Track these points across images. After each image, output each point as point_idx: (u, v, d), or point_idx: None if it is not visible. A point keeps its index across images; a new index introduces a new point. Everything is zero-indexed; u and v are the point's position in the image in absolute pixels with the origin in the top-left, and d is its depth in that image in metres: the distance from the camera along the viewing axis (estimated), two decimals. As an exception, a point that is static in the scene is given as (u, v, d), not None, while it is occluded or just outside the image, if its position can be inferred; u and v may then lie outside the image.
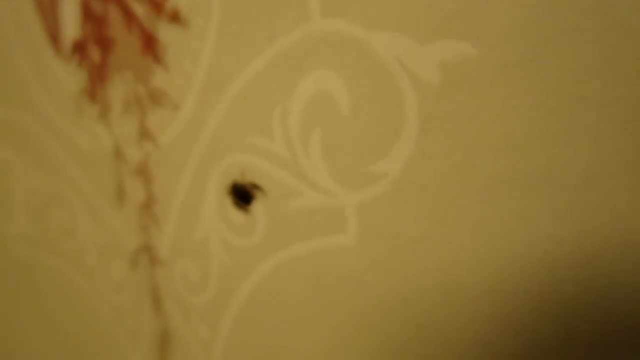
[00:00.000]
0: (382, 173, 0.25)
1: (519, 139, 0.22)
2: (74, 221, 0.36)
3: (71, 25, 0.33)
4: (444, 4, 0.22)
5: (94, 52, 0.33)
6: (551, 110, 0.21)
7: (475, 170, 0.23)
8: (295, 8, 0.26)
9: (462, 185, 0.23)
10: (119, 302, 0.35)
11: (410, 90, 0.24)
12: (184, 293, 0.32)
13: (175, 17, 0.29)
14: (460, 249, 0.24)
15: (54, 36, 0.34)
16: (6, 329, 0.41)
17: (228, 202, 0.29)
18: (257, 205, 0.28)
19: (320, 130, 0.26)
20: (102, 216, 0.35)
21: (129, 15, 0.31)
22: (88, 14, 0.32)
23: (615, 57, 0.20)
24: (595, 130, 0.21)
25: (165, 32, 0.30)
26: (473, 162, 0.23)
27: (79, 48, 0.33)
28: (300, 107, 0.26)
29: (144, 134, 0.32)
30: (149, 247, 0.33)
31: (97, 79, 0.33)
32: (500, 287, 0.23)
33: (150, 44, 0.30)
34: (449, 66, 0.23)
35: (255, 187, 0.28)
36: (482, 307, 0.24)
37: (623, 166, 0.21)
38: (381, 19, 0.24)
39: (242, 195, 0.29)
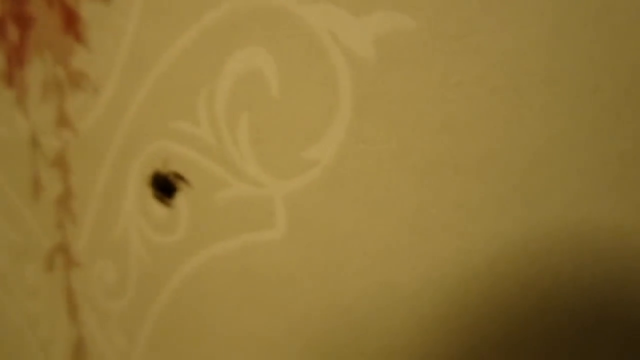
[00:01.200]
0: (313, 160, 0.23)
1: (460, 120, 0.20)
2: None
3: (-11, 2, 0.30)
4: (380, -28, 0.20)
5: (13, 31, 0.30)
6: (494, 88, 0.19)
7: (413, 156, 0.21)
8: (223, -21, 0.23)
9: (399, 173, 0.21)
10: (33, 308, 0.32)
11: (344, 67, 0.21)
12: (100, 298, 0.29)
13: (98, -9, 0.27)
14: (397, 243, 0.21)
15: (-29, 15, 0.31)
16: None
17: (149, 195, 0.27)
18: (180, 198, 0.26)
19: (248, 113, 0.24)
20: (16, 212, 0.32)
21: (49, -10, 0.28)
22: (7, -10, 0.30)
23: (564, 27, 0.18)
24: (542, 109, 0.19)
25: (88, 8, 0.27)
26: (411, 147, 0.21)
27: (-3, 27, 0.31)
28: (227, 88, 0.24)
29: (63, 121, 0.29)
30: (65, 247, 0.30)
31: (15, 60, 0.30)
32: (440, 285, 0.21)
33: (71, 21, 0.28)
34: (385, 40, 0.21)
35: (179, 177, 0.26)
36: (421, 307, 0.21)
37: (573, 147, 0.19)
38: (314, -11, 0.22)
39: (164, 186, 0.26)
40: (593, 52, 0.18)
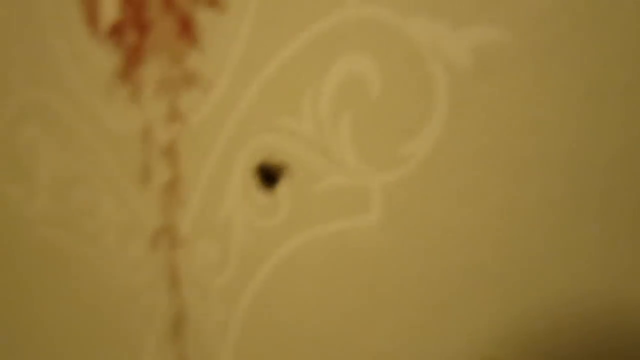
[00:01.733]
0: (409, 154, 0.26)
1: (548, 123, 0.23)
2: (96, 202, 0.37)
3: (110, 7, 0.34)
4: (479, -9, 0.23)
5: (132, 34, 0.34)
6: (580, 95, 0.22)
7: (502, 153, 0.24)
8: (331, -7, 0.27)
9: (489, 168, 0.24)
10: (136, 281, 0.36)
11: (441, 73, 0.24)
12: (203, 274, 0.33)
13: (214, 2, 0.30)
14: (485, 230, 0.24)
15: (92, 18, 0.35)
16: (24, 307, 0.41)
17: (253, 183, 0.30)
18: (282, 187, 0.29)
19: (350, 112, 0.27)
20: (124, 196, 0.35)
21: (168, 0, 0.32)
22: (128, -2, 0.34)
23: (645, 45, 0.21)
24: (623, 115, 0.21)
25: (203, 15, 0.31)
26: (501, 145, 0.24)
27: (117, 31, 0.34)
28: (331, 90, 0.27)
29: (175, 115, 0.32)
30: (171, 227, 0.34)
31: (133, 61, 0.34)
32: (523, 268, 0.24)
33: (187, 27, 0.31)
34: (480, 51, 0.24)
35: (282, 168, 0.29)
36: (503, 288, 0.24)
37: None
38: (415, 5, 0.25)
39: (268, 176, 0.29)
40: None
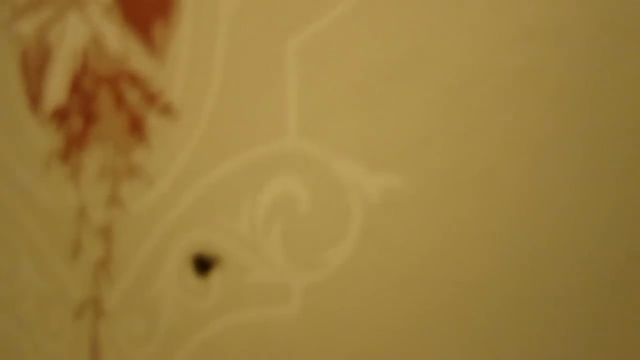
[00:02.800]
0: (328, 260, 0.33)
1: (434, 250, 0.31)
2: (14, 268, 0.38)
3: (56, 91, 0.37)
4: (389, 147, 0.31)
5: (76, 121, 0.37)
6: (460, 231, 0.31)
7: (400, 270, 0.32)
8: (275, 124, 0.33)
9: (389, 280, 0.32)
10: (54, 350, 0.38)
11: (357, 204, 0.32)
12: (126, 345, 0.36)
13: (167, 111, 0.35)
14: (393, 334, 0.32)
15: (34, 97, 0.38)
16: None
17: (187, 269, 0.35)
18: (215, 275, 0.34)
19: (281, 221, 0.33)
20: (50, 266, 0.38)
21: (120, 99, 0.36)
22: (77, 87, 0.37)
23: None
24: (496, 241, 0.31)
25: (154, 118, 0.35)
26: (399, 263, 0.32)
27: (60, 115, 0.37)
28: (267, 201, 0.33)
29: (114, 201, 0.36)
30: (97, 300, 0.37)
31: (74, 145, 0.37)
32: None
33: (136, 126, 0.36)
34: (387, 192, 0.32)
35: (216, 259, 0.34)
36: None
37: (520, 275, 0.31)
38: (344, 147, 0.32)
39: (202, 264, 0.34)
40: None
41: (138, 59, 0.36)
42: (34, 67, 0.38)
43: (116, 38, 0.36)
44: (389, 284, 0.32)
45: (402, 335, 0.31)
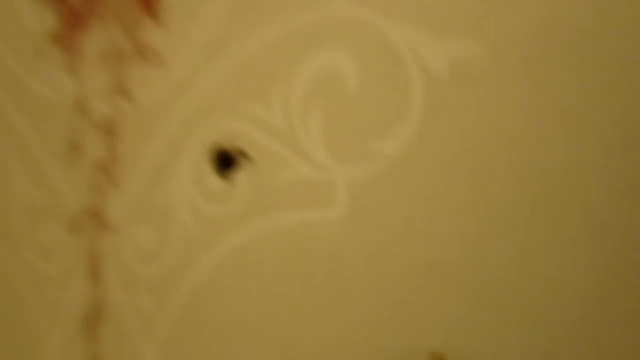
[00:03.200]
0: (380, 153, 0.26)
1: (512, 133, 0.25)
2: (3, 174, 0.32)
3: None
4: (460, 7, 0.25)
5: (75, -4, 0.31)
6: (542, 111, 0.25)
7: (470, 158, 0.25)
8: (316, -12, 0.27)
9: (457, 171, 0.26)
10: (44, 270, 0.32)
11: (419, 79, 0.26)
12: (132, 262, 0.30)
13: (184, -24, 0.29)
14: (448, 231, 0.26)
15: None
16: None
17: (206, 168, 0.29)
18: (240, 174, 0.28)
19: (323, 105, 0.27)
20: (42, 172, 0.32)
21: (127, -34, 0.30)
22: (76, -42, 0.31)
23: (603, 70, 0.24)
24: (576, 130, 0.25)
25: (168, -10, 0.29)
26: (469, 151, 0.25)
27: (56, -10, 0.31)
28: (305, 81, 0.27)
29: (119, 90, 0.30)
30: (98, 211, 0.31)
31: (73, 24, 0.31)
32: (482, 270, 0.25)
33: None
34: (457, 61, 0.25)
35: (242, 154, 0.28)
36: (460, 288, 0.26)
37: (597, 163, 0.24)
38: (401, 12, 0.26)
39: (226, 161, 0.28)
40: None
41: None
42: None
43: None
44: (457, 177, 0.26)
45: (471, 245, 0.25)
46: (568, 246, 0.25)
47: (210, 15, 0.28)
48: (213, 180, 0.29)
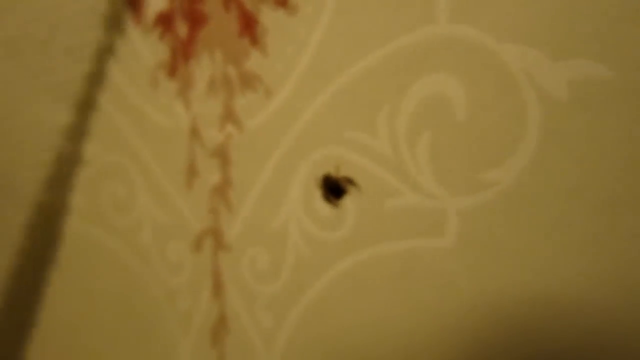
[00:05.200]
0: (492, 182, 0.25)
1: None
2: (131, 197, 0.35)
3: (158, -4, 0.32)
4: (583, 24, 0.23)
5: (181, 26, 0.32)
6: (680, 140, 0.22)
7: (591, 190, 0.24)
8: (419, 8, 0.26)
9: (576, 204, 0.24)
10: (175, 284, 0.34)
11: (535, 103, 0.24)
12: (249, 280, 0.32)
13: (283, 2, 0.29)
14: (564, 264, 0.24)
15: (135, 5, 0.33)
16: (53, 303, 0.39)
17: (315, 195, 0.29)
18: (349, 201, 0.28)
19: (431, 132, 0.26)
20: (166, 197, 0.34)
21: (228, -6, 0.30)
22: (180, -13, 0.32)
23: None
24: None
25: (268, 15, 0.29)
26: (590, 182, 0.23)
27: (164, 21, 0.32)
28: (411, 108, 0.26)
29: (228, 116, 0.31)
30: (216, 231, 0.33)
31: (181, 54, 0.32)
32: (602, 306, 0.24)
33: (249, 26, 0.30)
34: (579, 85, 0.23)
35: (349, 182, 0.28)
36: (578, 323, 0.24)
37: None
38: (513, 31, 0.24)
39: (334, 188, 0.28)
40: None
41: (246, -56, 0.29)
42: (132, -32, 0.33)
43: None
44: (575, 210, 0.24)
45: (592, 283, 0.24)
46: None
47: (305, 38, 0.28)
48: (322, 206, 0.29)
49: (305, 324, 0.31)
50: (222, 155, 0.32)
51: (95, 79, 0.34)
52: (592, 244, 0.24)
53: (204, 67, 0.32)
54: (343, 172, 0.28)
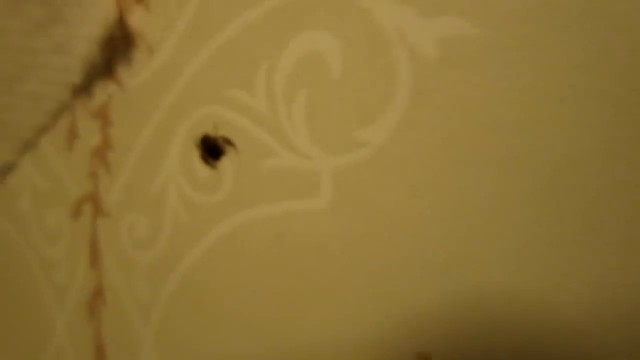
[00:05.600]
0: (365, 141, 0.25)
1: (505, 121, 0.23)
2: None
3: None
4: (451, -18, 0.23)
5: (66, -19, 0.31)
6: (539, 97, 0.22)
7: (460, 147, 0.23)
8: (298, -35, 0.25)
9: (444, 161, 0.24)
10: (51, 255, 0.32)
11: (406, 61, 0.24)
12: (127, 248, 0.30)
13: (167, -44, 0.28)
14: (434, 223, 0.24)
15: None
16: None
17: (194, 156, 0.28)
18: (226, 162, 0.27)
19: (306, 91, 0.26)
20: (45, 159, 0.32)
21: (113, -52, 0.29)
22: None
23: (606, 54, 0.21)
24: (577, 120, 0.22)
25: (152, -29, 0.28)
26: (459, 139, 0.23)
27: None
28: (289, 65, 0.26)
29: (110, 75, 0.30)
30: (95, 197, 0.31)
31: (65, 10, 0.31)
32: (468, 265, 0.24)
33: (133, -19, 0.29)
34: (447, 42, 0.23)
35: (228, 142, 0.27)
36: (445, 283, 0.24)
37: (599, 156, 0.22)
38: (386, -12, 0.24)
39: (212, 149, 0.27)
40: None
41: None
42: None
43: None
44: (445, 168, 0.24)
45: (459, 240, 0.24)
46: (567, 244, 0.22)
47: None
48: (200, 169, 0.28)
49: (182, 293, 0.29)
50: (102, 116, 0.30)
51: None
52: (460, 201, 0.24)
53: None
54: (222, 132, 0.27)
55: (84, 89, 0.29)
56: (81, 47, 0.30)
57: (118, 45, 0.29)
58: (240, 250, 0.28)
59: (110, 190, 0.30)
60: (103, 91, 0.30)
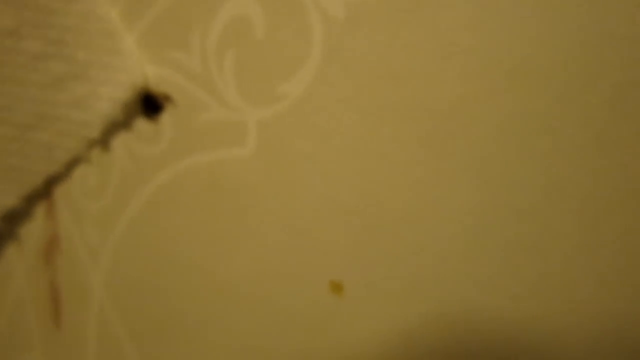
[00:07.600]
0: (284, 94, 0.28)
1: (401, 73, 0.26)
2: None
3: None
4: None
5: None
6: (430, 51, 0.26)
7: (362, 99, 0.27)
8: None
9: (351, 112, 0.27)
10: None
11: (318, 22, 0.27)
12: (80, 198, 0.33)
13: None
14: (345, 167, 0.27)
15: None
16: None
17: (135, 111, 0.31)
18: (166, 116, 0.31)
19: (235, 50, 0.29)
20: None
21: None
22: None
23: (495, 13, 0.25)
24: (464, 69, 0.25)
25: (100, -55, 0.31)
26: (361, 92, 0.27)
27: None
28: (219, 28, 0.29)
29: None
30: (51, 152, 0.34)
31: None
32: (376, 203, 0.27)
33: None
34: (353, 5, 0.27)
35: (167, 98, 0.30)
36: (359, 220, 0.27)
37: (480, 102, 0.25)
38: (301, -42, 0.27)
39: (152, 104, 0.31)
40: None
41: None
42: None
43: None
44: (355, 115, 0.27)
45: (365, 181, 0.27)
46: (456, 183, 0.26)
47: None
48: (142, 122, 0.31)
49: (129, 236, 0.32)
50: (57, 77, 0.33)
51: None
52: (364, 147, 0.27)
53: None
54: (160, 89, 0.30)
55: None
56: (102, 105, 0.31)
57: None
58: (179, 196, 0.31)
59: (63, 145, 0.33)
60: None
